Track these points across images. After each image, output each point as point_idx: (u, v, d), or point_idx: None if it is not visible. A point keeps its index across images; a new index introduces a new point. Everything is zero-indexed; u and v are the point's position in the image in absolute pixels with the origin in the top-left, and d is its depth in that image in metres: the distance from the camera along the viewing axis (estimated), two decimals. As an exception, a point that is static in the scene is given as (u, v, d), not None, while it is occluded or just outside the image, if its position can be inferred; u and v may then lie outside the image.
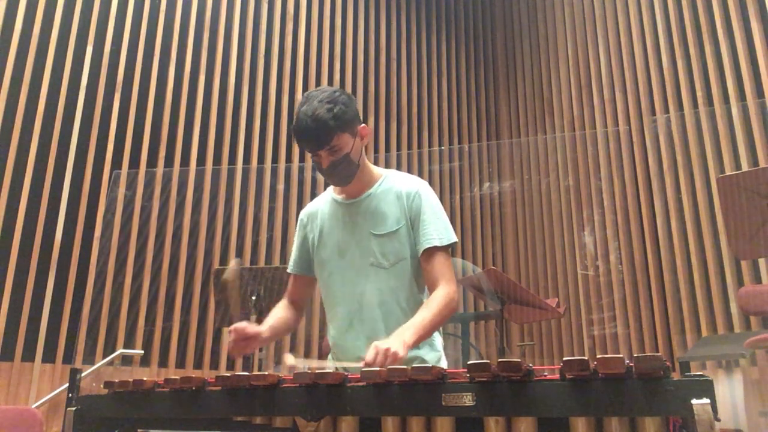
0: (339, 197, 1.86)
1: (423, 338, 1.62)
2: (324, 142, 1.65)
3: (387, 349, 1.44)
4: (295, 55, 5.30)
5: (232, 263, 1.69)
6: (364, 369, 1.20)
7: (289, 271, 1.95)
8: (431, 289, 1.72)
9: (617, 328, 4.80)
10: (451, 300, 1.67)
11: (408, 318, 1.69)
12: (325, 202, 1.91)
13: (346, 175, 1.74)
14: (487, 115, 6.41)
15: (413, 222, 1.76)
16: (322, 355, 3.47)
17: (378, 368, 1.38)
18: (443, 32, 6.33)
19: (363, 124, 1.78)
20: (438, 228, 1.74)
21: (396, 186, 1.81)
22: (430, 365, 1.13)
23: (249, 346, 1.71)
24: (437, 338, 1.79)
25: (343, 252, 1.80)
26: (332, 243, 1.83)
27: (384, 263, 1.74)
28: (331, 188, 1.92)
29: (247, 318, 3.16)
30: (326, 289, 1.85)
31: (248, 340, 1.68)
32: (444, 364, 1.78)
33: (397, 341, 1.49)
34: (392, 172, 1.87)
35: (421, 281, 1.79)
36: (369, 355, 1.44)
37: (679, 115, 4.69)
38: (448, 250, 1.76)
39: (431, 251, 1.72)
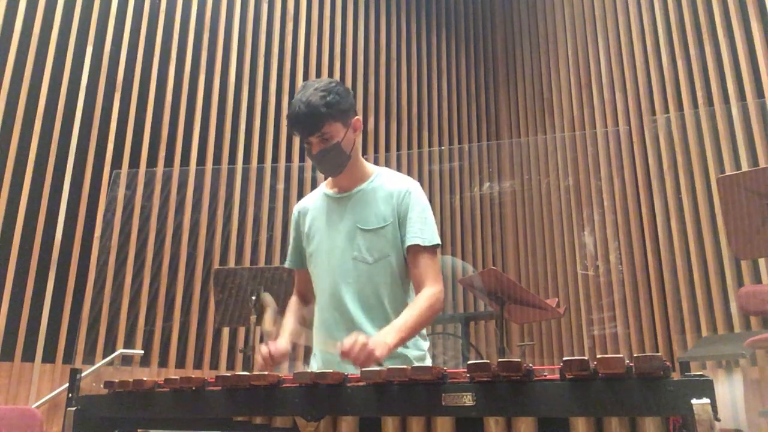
0: (331, 191, 1.88)
1: (406, 339, 1.62)
2: (314, 128, 1.68)
3: (365, 344, 1.45)
4: (295, 55, 5.30)
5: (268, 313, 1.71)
6: (341, 358, 1.22)
7: (286, 266, 1.98)
8: (417, 290, 1.72)
9: (617, 328, 4.80)
10: (436, 300, 1.68)
11: (390, 315, 1.72)
12: (317, 196, 1.93)
13: (336, 164, 1.75)
14: (487, 115, 6.41)
15: (401, 220, 1.76)
16: None
17: (352, 361, 1.44)
18: (443, 32, 6.33)
19: (357, 117, 1.79)
20: (423, 228, 1.74)
21: (387, 184, 1.82)
22: (429, 365, 1.13)
23: (276, 364, 1.73)
24: (421, 338, 1.79)
25: (329, 245, 1.81)
26: (320, 235, 1.84)
27: (368, 258, 1.75)
28: (324, 183, 1.94)
29: (247, 319, 3.16)
30: (314, 280, 1.87)
31: (279, 359, 1.70)
32: (429, 363, 1.78)
33: (380, 341, 1.50)
34: (385, 170, 1.88)
35: (405, 280, 1.80)
36: (347, 342, 1.46)
37: (679, 115, 4.69)
38: (435, 251, 1.76)
39: (416, 250, 1.73)
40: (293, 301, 1.99)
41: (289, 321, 1.90)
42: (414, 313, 1.64)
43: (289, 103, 1.72)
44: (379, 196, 1.80)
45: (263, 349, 1.69)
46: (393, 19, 5.98)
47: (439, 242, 1.77)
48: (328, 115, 1.67)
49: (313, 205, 1.92)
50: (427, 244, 1.73)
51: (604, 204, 5.10)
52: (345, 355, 1.45)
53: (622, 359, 0.98)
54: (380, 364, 1.48)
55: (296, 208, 1.97)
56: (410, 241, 1.73)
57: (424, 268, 1.72)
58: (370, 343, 1.46)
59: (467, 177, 5.97)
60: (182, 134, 4.62)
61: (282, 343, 1.75)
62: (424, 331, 1.83)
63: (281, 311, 1.97)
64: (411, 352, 1.73)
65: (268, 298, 1.69)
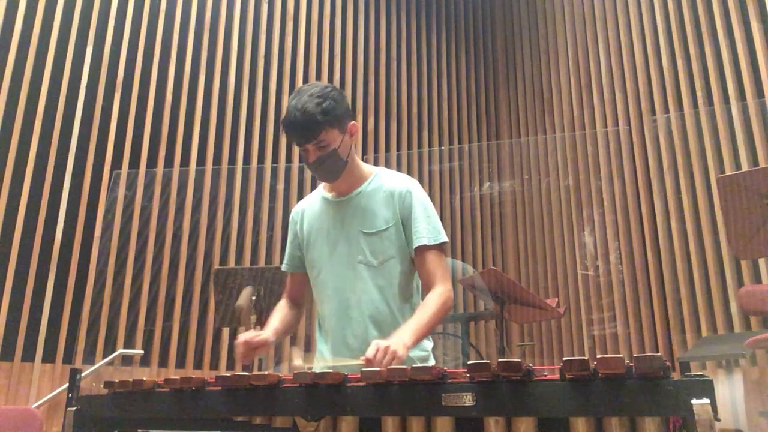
0: (329, 195, 1.86)
1: (420, 339, 1.64)
2: (311, 136, 1.66)
3: (387, 347, 1.46)
4: (295, 55, 5.30)
5: (246, 292, 1.71)
6: (363, 369, 1.21)
7: (283, 269, 1.96)
8: (426, 289, 1.73)
9: (617, 328, 4.80)
10: (447, 299, 1.69)
11: (396, 317, 1.72)
12: (315, 200, 1.91)
13: (333, 170, 1.74)
14: (487, 115, 6.41)
15: (404, 221, 1.76)
16: None
17: (378, 367, 1.39)
18: (443, 32, 6.33)
19: (353, 122, 1.78)
20: (428, 227, 1.74)
21: (386, 184, 1.80)
22: (430, 365, 1.13)
23: (256, 353, 1.72)
24: (425, 339, 1.79)
25: (332, 250, 1.80)
26: (322, 241, 1.83)
27: (373, 261, 1.74)
28: (321, 186, 1.92)
29: (248, 320, 3.16)
30: (316, 286, 1.86)
31: (256, 349, 1.69)
32: (432, 363, 1.78)
33: (398, 341, 1.51)
34: (383, 170, 1.87)
35: (410, 281, 1.80)
36: (370, 352, 1.46)
37: (679, 115, 4.69)
38: (441, 248, 1.76)
39: (423, 250, 1.73)
40: (282, 305, 1.94)
41: (275, 320, 1.85)
42: (427, 313, 1.65)
43: (286, 111, 1.70)
44: (379, 198, 1.78)
45: (241, 336, 1.67)
46: (393, 19, 5.98)
47: (446, 239, 1.76)
48: (325, 122, 1.65)
49: (311, 209, 1.90)
50: (434, 242, 1.73)
51: (604, 204, 5.10)
52: (370, 363, 1.45)
53: (622, 359, 0.98)
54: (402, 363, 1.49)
55: (294, 212, 1.96)
56: (417, 242, 1.73)
57: (432, 268, 1.72)
58: (391, 346, 1.47)
59: (467, 177, 5.97)
60: (182, 134, 4.62)
61: (264, 333, 1.73)
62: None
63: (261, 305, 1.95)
64: (415, 353, 1.72)
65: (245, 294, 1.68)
